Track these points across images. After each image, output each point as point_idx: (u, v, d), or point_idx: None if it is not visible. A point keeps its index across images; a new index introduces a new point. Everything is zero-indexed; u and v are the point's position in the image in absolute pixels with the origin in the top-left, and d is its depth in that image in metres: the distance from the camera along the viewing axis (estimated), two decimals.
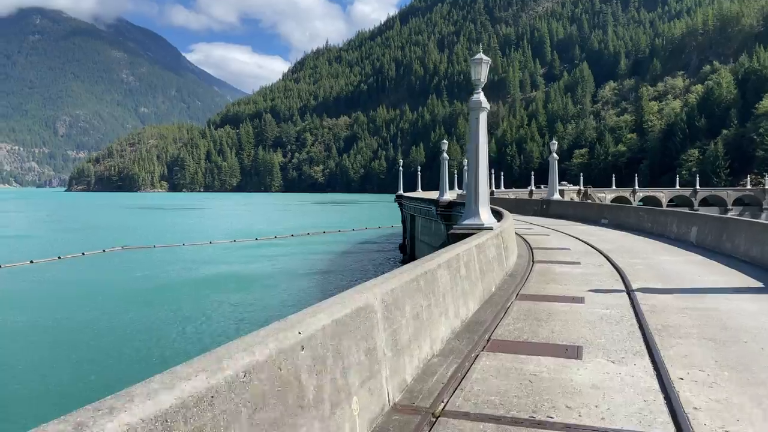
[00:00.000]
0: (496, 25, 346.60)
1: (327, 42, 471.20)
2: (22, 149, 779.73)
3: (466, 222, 12.35)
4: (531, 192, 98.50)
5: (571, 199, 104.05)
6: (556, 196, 35.66)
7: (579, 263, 13.75)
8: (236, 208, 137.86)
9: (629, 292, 10.05)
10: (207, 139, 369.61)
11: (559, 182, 75.10)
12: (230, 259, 44.90)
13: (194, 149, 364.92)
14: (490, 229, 11.41)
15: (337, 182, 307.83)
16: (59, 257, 42.86)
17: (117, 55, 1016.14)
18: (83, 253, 44.91)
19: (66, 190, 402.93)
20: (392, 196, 55.58)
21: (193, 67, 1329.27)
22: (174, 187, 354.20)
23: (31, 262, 40.38)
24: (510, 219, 15.60)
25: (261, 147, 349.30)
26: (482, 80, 13.33)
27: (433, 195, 40.84)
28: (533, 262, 13.77)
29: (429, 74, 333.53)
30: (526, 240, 18.43)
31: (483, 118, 13.31)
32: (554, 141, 36.21)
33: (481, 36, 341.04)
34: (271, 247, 52.68)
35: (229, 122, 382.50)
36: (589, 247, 17.30)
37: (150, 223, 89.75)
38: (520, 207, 35.61)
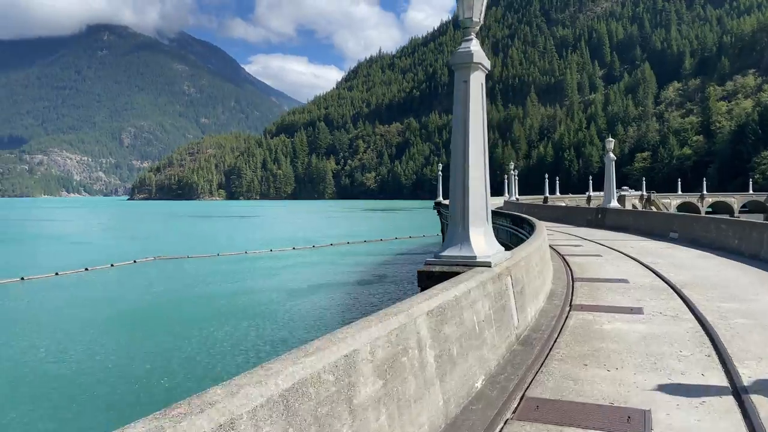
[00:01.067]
0: (552, 27, 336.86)
1: (380, 50, 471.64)
2: (90, 160, 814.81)
3: (446, 253, 6.88)
4: (589, 198, 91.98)
5: (633, 206, 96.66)
6: (614, 204, 29.80)
7: (641, 312, 9.04)
8: (285, 216, 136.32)
9: (737, 392, 5.32)
10: (263, 147, 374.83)
11: (618, 187, 67.63)
12: (262, 269, 41.64)
13: (250, 158, 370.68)
14: (487, 265, 6.48)
15: (389, 189, 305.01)
16: (86, 269, 40.55)
17: (179, 67, 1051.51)
18: (112, 265, 42.60)
19: (128, 199, 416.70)
20: None
21: (252, 79, 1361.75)
22: (231, 195, 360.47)
23: (56, 274, 38.20)
24: (541, 237, 11.12)
25: (314, 155, 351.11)
26: (475, 20, 7.53)
27: None
28: (570, 306, 9.24)
29: None
30: (567, 263, 13.91)
31: (477, 81, 7.60)
32: (610, 138, 30.32)
33: (536, 38, 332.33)
34: (305, 257, 49.25)
35: (284, 131, 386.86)
36: (657, 278, 12.38)
37: (193, 231, 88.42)
38: (570, 216, 30.47)
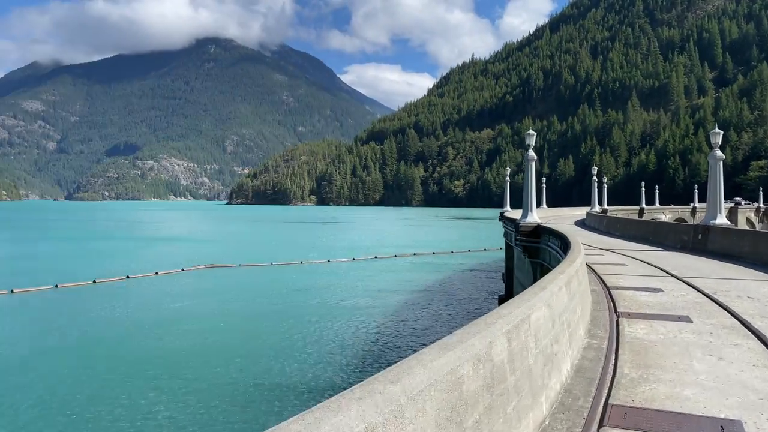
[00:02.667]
0: (657, 28, 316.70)
1: (473, 56, 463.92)
2: (196, 166, 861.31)
3: None
4: (693, 210, 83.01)
5: (747, 220, 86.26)
6: (721, 220, 22.36)
7: None
8: (363, 224, 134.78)
9: None
10: (353, 154, 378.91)
11: (728, 198, 59.41)
12: (312, 280, 39.25)
13: (341, 165, 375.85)
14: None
15: (479, 197, 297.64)
16: (127, 276, 39.92)
17: (279, 78, 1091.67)
18: (156, 273, 41.81)
19: (227, 203, 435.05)
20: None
21: (347, 88, 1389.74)
22: (321, 201, 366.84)
23: (94, 281, 37.62)
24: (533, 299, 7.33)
25: (403, 162, 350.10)
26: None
27: (546, 213, 31.70)
28: None
29: (580, 83, 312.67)
30: (617, 346, 7.13)
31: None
32: (717, 130, 23.12)
33: (639, 40, 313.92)
34: (362, 269, 46.41)
35: (374, 138, 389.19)
36: None
37: (269, 238, 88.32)
38: (660, 235, 24.62)
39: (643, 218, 68.83)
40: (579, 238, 27.49)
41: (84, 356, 21.77)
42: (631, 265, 16.45)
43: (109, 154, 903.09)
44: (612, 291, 11.21)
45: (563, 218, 51.81)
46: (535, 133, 24.61)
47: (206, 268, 45.77)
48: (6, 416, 15.70)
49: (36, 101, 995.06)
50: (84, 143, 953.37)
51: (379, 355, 21.84)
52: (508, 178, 50.76)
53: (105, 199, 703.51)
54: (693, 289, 11.81)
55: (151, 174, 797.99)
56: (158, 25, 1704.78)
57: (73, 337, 24.68)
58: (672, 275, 14.04)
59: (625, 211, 68.47)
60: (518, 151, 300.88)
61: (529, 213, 22.22)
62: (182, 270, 43.73)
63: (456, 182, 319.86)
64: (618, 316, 8.88)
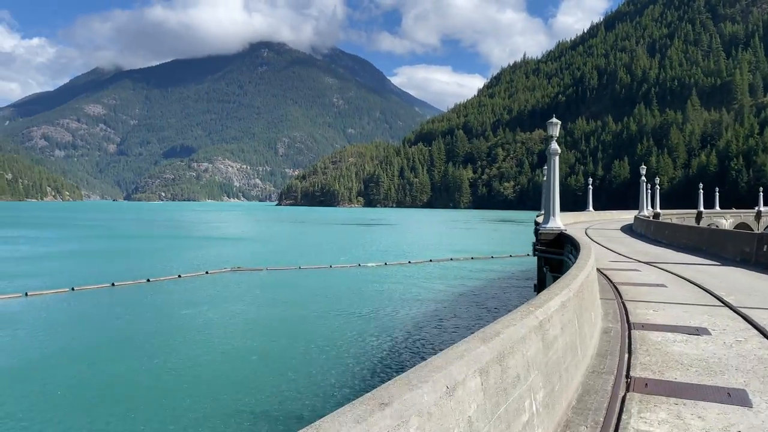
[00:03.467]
0: (719, 24, 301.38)
1: (524, 55, 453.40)
2: (249, 168, 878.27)
3: None
4: (758, 214, 76.61)
5: None
6: None
7: None
8: (406, 226, 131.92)
9: None
10: (401, 156, 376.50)
11: None
12: (347, 283, 36.84)
13: (388, 166, 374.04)
14: None
15: (529, 199, 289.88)
16: (148, 280, 38.44)
17: (329, 81, 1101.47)
18: (179, 276, 40.26)
19: (276, 204, 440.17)
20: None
21: (397, 90, 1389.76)
22: (369, 203, 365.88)
23: (113, 284, 36.23)
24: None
25: (451, 163, 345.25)
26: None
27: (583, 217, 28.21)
28: None
29: (636, 81, 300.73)
30: None
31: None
32: None
33: (700, 37, 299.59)
34: (394, 274, 43.73)
35: (422, 140, 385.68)
36: None
37: (305, 240, 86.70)
38: (716, 244, 20.92)
39: (701, 223, 63.37)
40: (619, 246, 23.92)
41: (139, 353, 22.17)
42: (673, 286, 13.02)
43: (166, 156, 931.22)
44: (634, 331, 8.12)
45: (610, 223, 47.75)
46: (559, 122, 21.56)
47: (231, 271, 44.29)
48: (68, 406, 16.36)
49: (98, 105, 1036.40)
50: (142, 146, 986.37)
51: (397, 362, 19.38)
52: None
53: (161, 200, 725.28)
54: (755, 331, 8.20)
55: (205, 175, 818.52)
56: (213, 30, 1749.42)
57: (127, 334, 24.96)
58: (726, 303, 10.54)
59: (681, 215, 63.34)
60: (571, 152, 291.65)
61: (552, 218, 18.98)
62: (207, 273, 42.20)
63: (506, 184, 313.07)
64: (627, 389, 5.65)
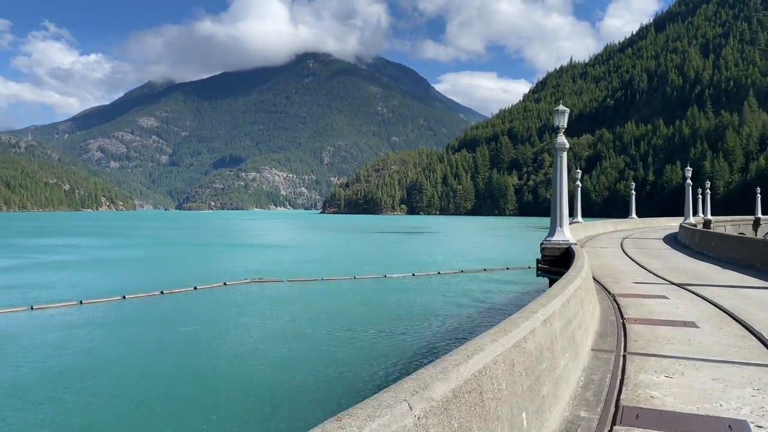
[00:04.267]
0: None
1: (571, 59, 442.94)
2: (295, 177, 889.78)
3: None
4: None
5: None
6: None
7: None
8: (438, 235, 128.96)
9: None
10: (444, 163, 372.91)
11: None
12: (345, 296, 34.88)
13: (431, 173, 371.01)
14: None
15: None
16: (162, 292, 37.36)
17: (373, 89, 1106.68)
18: (195, 287, 39.04)
19: (320, 212, 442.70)
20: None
21: (441, 97, 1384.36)
22: (412, 210, 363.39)
23: (124, 297, 35.21)
24: None
25: (496, 169, 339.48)
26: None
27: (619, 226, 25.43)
28: None
29: (689, 83, 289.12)
30: None
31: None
32: None
33: (756, 35, 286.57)
34: (394, 285, 41.47)
35: (466, 146, 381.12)
36: None
37: (336, 250, 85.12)
38: None
39: (758, 231, 58.58)
40: (653, 261, 21.01)
41: (184, 361, 22.09)
42: (707, 325, 9.79)
43: (215, 166, 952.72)
44: (618, 428, 5.20)
45: (653, 231, 44.22)
46: (567, 110, 18.98)
47: (251, 282, 42.83)
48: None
49: (151, 118, 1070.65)
50: (193, 156, 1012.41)
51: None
52: (579, 182, 43.87)
53: (211, 209, 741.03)
54: None
55: (253, 185, 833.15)
56: (261, 42, 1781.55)
57: (175, 343, 24.89)
58: None
59: (736, 223, 58.78)
60: (620, 157, 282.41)
61: (558, 228, 16.33)
62: (225, 284, 41.04)
63: (552, 190, 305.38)
64: None
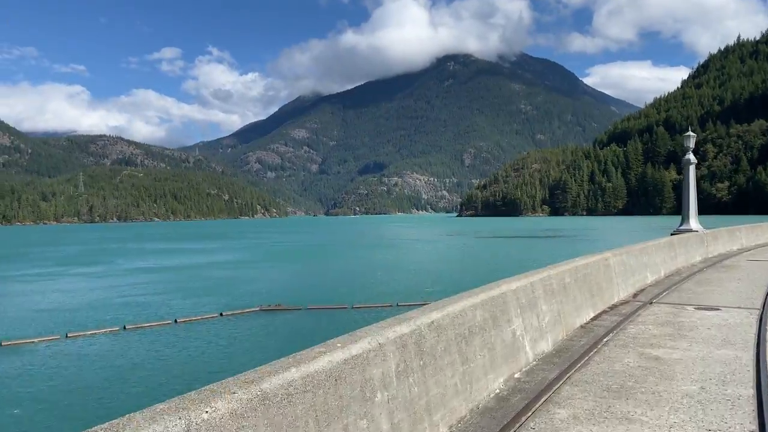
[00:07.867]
0: None
1: (738, 37, 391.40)
2: (436, 180, 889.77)
3: None
4: None
5: None
6: None
7: None
8: (564, 240, 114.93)
9: None
10: (590, 159, 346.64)
11: None
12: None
13: (576, 171, 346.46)
14: None
15: (750, 201, 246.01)
16: (176, 321, 32.09)
17: (515, 87, 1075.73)
18: (186, 317, 33.70)
19: (457, 215, 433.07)
20: None
21: (591, 90, 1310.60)
22: (555, 211, 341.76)
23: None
24: None
25: (650, 164, 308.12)
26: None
27: None
28: None
29: None
30: None
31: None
32: None
33: None
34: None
35: (615, 140, 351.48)
36: None
37: (419, 265, 77.06)
38: None
39: None
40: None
41: None
42: None
43: (360, 173, 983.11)
44: None
45: None
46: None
47: (260, 311, 36.43)
48: None
49: (302, 129, 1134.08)
50: (340, 164, 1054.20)
51: None
52: (692, 174, 31.38)
53: (356, 214, 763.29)
54: None
55: (395, 189, 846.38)
56: (401, 49, 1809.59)
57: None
58: None
59: None
60: None
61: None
62: (221, 314, 34.74)
63: (719, 185, 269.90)
64: None
